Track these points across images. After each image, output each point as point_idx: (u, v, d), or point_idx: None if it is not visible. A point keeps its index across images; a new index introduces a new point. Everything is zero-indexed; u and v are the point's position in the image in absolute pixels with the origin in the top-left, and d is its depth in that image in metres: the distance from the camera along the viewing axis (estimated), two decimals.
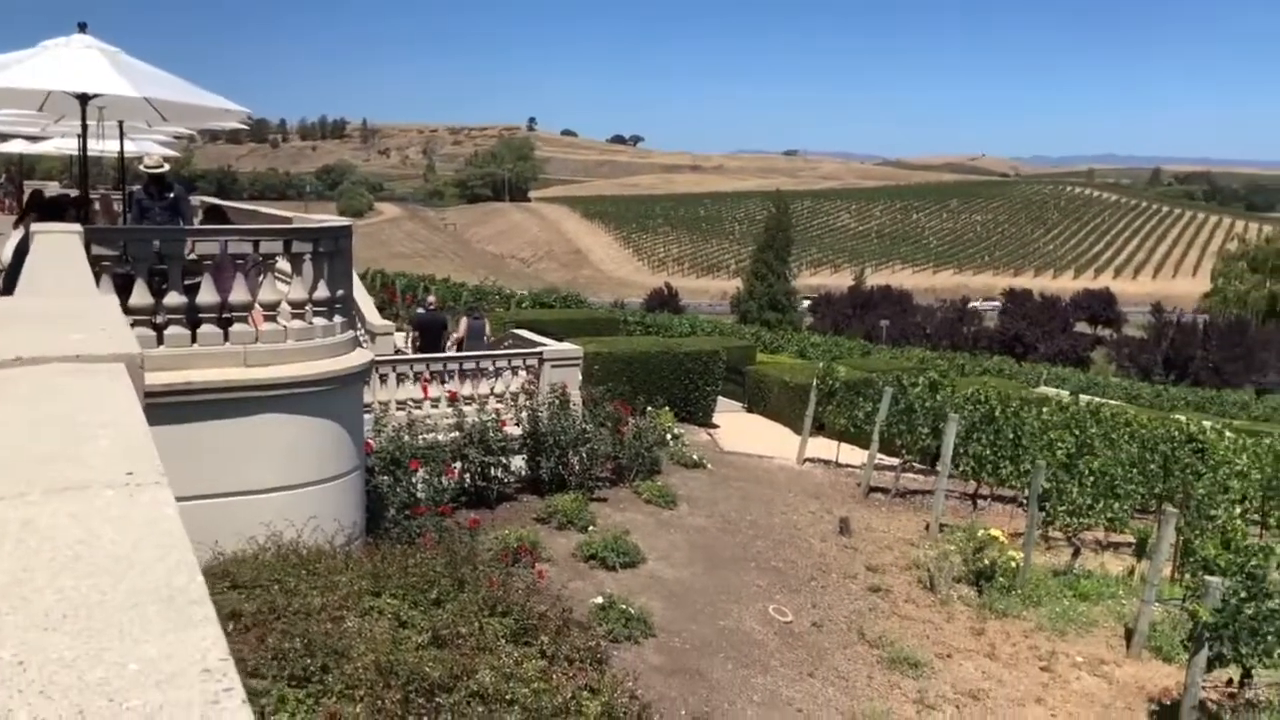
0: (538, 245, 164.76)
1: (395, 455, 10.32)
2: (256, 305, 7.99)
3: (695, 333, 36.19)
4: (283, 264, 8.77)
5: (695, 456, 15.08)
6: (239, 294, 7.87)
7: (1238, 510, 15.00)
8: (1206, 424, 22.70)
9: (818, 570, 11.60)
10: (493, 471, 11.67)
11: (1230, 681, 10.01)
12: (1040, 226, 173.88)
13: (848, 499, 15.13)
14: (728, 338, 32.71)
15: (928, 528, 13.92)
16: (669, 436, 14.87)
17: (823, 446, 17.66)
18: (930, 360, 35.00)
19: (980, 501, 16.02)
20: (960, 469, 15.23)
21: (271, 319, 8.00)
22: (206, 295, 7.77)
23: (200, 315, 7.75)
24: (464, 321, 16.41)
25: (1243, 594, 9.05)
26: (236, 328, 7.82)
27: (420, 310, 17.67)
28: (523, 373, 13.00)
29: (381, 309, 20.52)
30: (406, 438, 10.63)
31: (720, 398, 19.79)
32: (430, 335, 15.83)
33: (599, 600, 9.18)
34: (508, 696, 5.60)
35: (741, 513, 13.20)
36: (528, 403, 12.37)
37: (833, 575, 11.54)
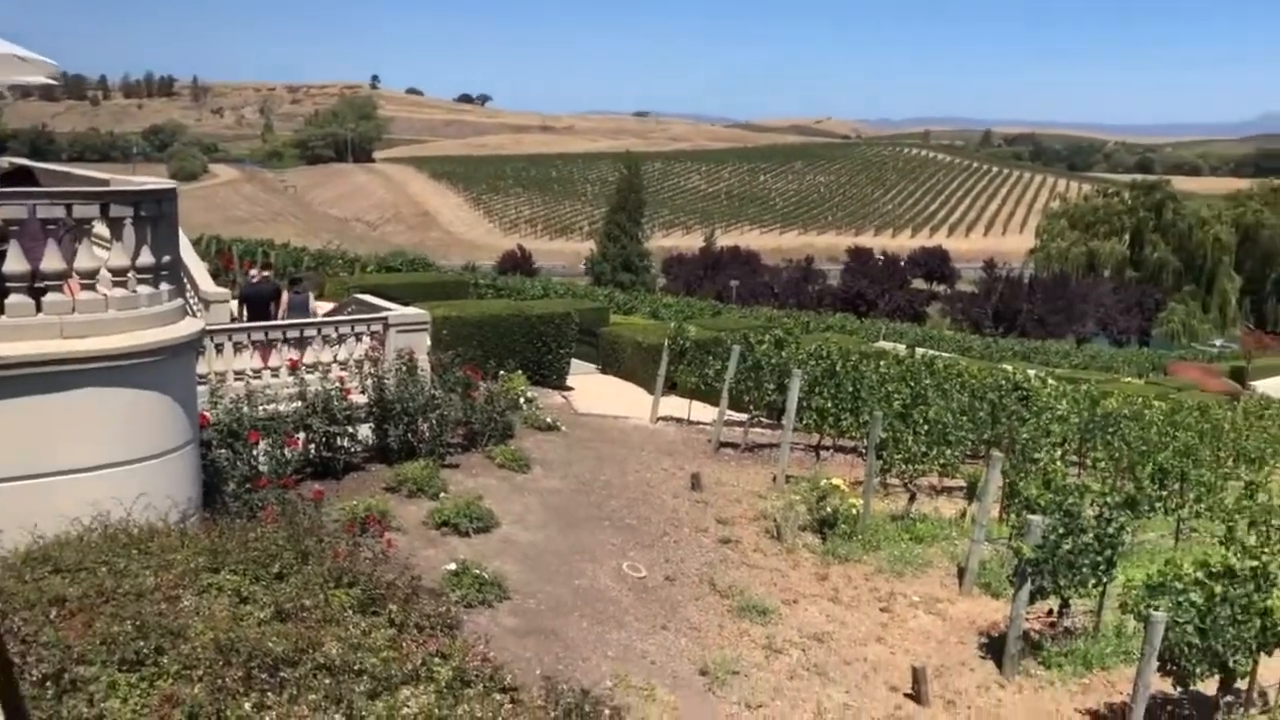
0: (384, 208, 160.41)
1: (233, 427, 9.92)
2: (73, 274, 7.51)
3: (548, 295, 36.09)
4: (101, 229, 8.25)
5: (549, 419, 15.07)
6: (52, 262, 7.37)
7: (1058, 453, 16.04)
8: (1031, 373, 24.14)
9: (670, 525, 11.82)
10: (339, 441, 11.37)
11: (1050, 612, 10.76)
12: (880, 187, 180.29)
13: (699, 455, 15.44)
14: (581, 300, 32.72)
15: (774, 480, 14.36)
16: (522, 400, 14.79)
17: (675, 405, 17.93)
18: (777, 319, 35.95)
19: (823, 453, 16.61)
20: (804, 422, 15.74)
21: (90, 288, 7.54)
22: (14, 264, 7.24)
23: (8, 285, 7.23)
24: (284, 295, 15.63)
25: (1061, 530, 9.71)
26: (51, 298, 7.34)
27: (248, 280, 16.80)
28: (367, 339, 12.65)
29: (216, 276, 19.56)
30: (246, 409, 10.22)
31: (574, 360, 19.79)
32: (257, 307, 15.08)
33: (452, 567, 9.11)
34: (356, 667, 5.52)
35: (596, 473, 13.30)
36: (373, 370, 12.07)
37: (685, 530, 11.78)
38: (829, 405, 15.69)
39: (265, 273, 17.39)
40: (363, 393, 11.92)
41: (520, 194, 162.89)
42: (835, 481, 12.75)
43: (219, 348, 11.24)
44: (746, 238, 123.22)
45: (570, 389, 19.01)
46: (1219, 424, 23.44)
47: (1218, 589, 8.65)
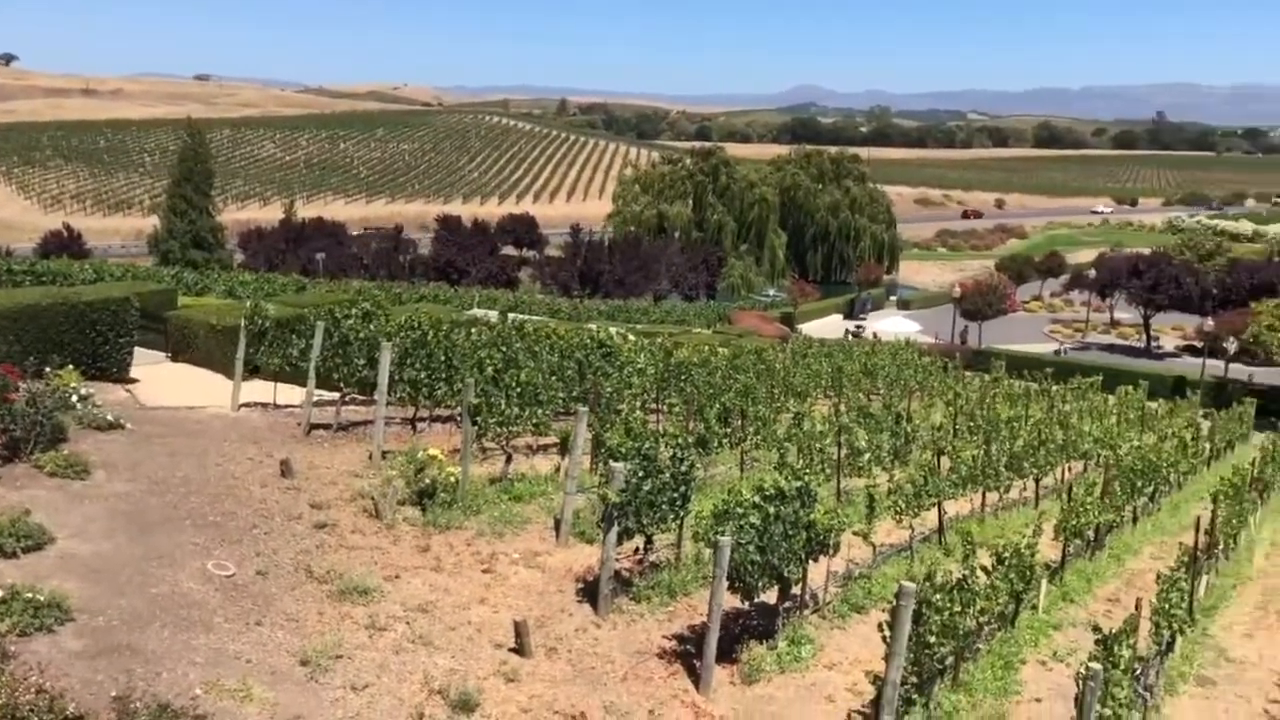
0: None
1: None
2: None
3: (102, 279, 32.42)
4: None
5: (110, 417, 13.62)
6: None
7: (638, 403, 17.29)
8: (613, 330, 25.71)
9: (260, 517, 11.20)
10: None
11: (637, 550, 11.60)
12: (465, 155, 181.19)
13: (289, 440, 14.75)
14: (143, 282, 29.83)
15: (371, 457, 14.09)
16: (75, 399, 13.22)
17: (260, 389, 16.96)
18: (367, 291, 35.09)
19: (420, 424, 16.57)
20: (399, 395, 15.58)
21: None
22: None
23: None
24: None
25: (641, 474, 10.48)
26: None
27: None
28: None
29: None
30: None
31: (138, 349, 18.00)
32: None
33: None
34: None
35: (171, 471, 12.25)
36: None
37: (276, 519, 11.22)
38: (422, 376, 15.64)
39: None
40: None
41: (63, 166, 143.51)
42: (433, 452, 12.77)
43: None
44: (331, 208, 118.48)
45: (135, 381, 17.32)
46: (772, 364, 26.45)
47: (771, 510, 9.81)
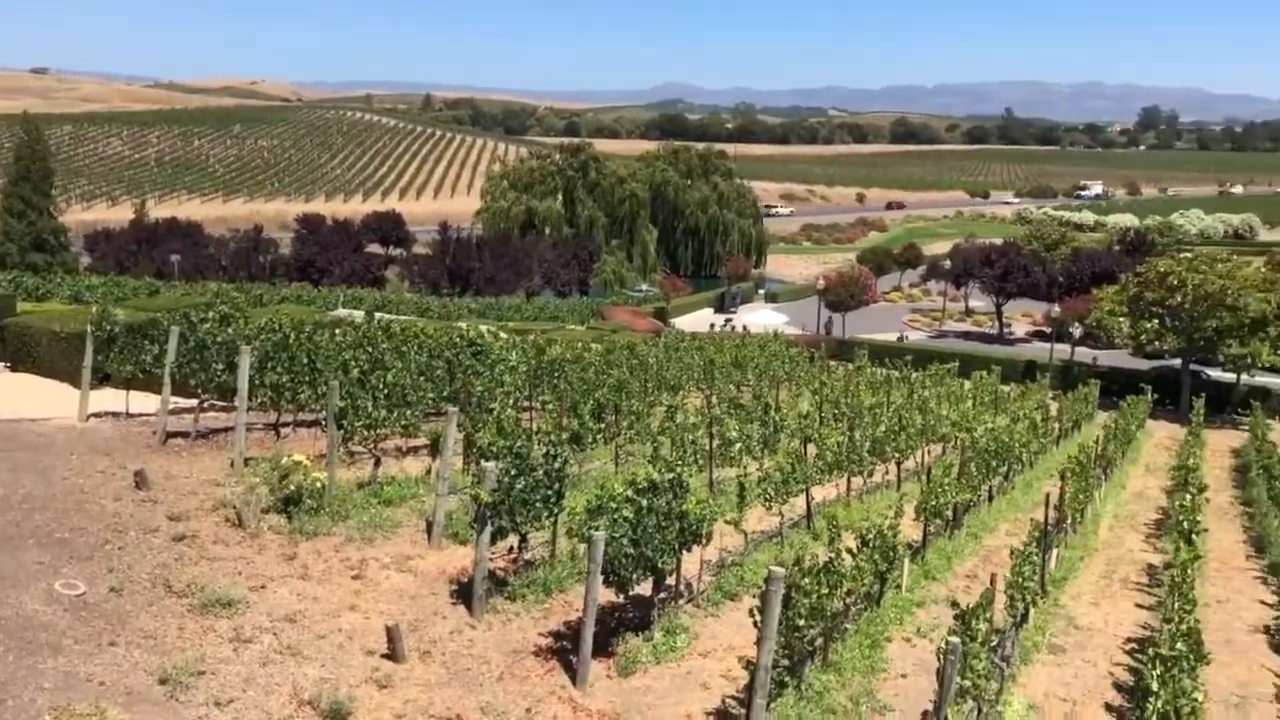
0: None
1: None
2: None
3: None
4: None
5: None
6: None
7: (510, 401, 17.17)
8: (484, 328, 25.47)
9: (113, 532, 10.67)
10: None
11: (512, 549, 11.54)
12: (327, 151, 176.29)
13: (144, 450, 14.11)
14: None
15: (232, 465, 13.60)
16: None
17: (111, 398, 16.17)
18: (226, 293, 33.79)
19: (284, 430, 16.08)
20: (260, 400, 15.08)
21: None
22: None
23: None
24: None
25: (513, 472, 10.42)
26: None
27: None
28: None
29: None
30: None
31: None
32: None
33: None
34: None
35: (12, 487, 11.56)
36: None
37: (131, 534, 10.72)
38: (285, 380, 15.18)
39: None
40: None
41: None
42: (298, 458, 12.41)
43: None
44: (186, 208, 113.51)
45: None
46: (645, 359, 26.67)
47: (644, 502, 9.90)
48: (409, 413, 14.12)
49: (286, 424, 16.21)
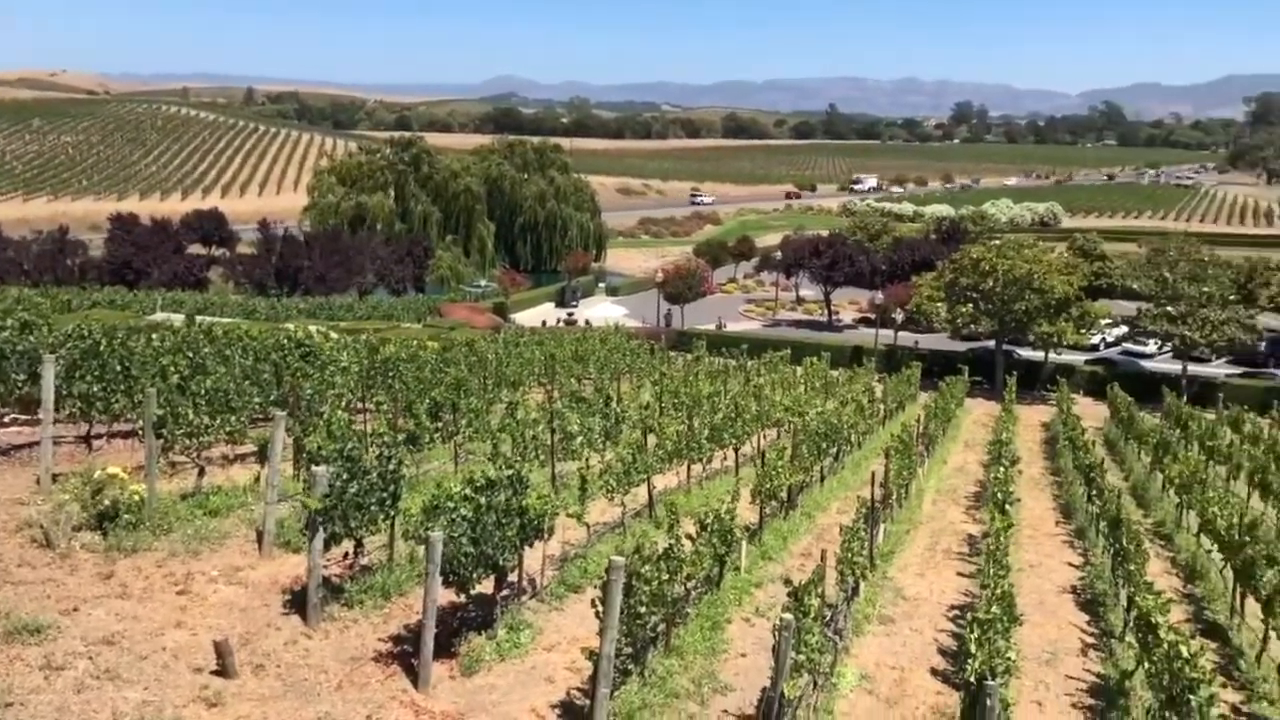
0: None
1: None
2: None
3: None
4: None
5: None
6: None
7: (341, 403, 16.72)
8: (313, 329, 24.69)
9: None
10: None
11: (347, 555, 11.24)
12: (140, 147, 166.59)
13: None
14: None
15: (39, 481, 12.70)
16: None
17: None
18: (28, 299, 31.52)
19: (97, 441, 15.12)
20: (68, 411, 14.14)
21: None
22: None
23: None
24: None
25: (345, 476, 10.14)
26: None
27: None
28: None
29: None
30: None
31: None
32: None
33: None
34: None
35: None
36: None
37: None
38: (96, 389, 14.28)
39: None
40: None
41: None
42: (113, 470, 11.70)
43: None
44: None
45: None
46: (484, 356, 26.43)
47: (483, 500, 9.81)
48: (234, 419, 13.55)
49: (99, 436, 15.25)
